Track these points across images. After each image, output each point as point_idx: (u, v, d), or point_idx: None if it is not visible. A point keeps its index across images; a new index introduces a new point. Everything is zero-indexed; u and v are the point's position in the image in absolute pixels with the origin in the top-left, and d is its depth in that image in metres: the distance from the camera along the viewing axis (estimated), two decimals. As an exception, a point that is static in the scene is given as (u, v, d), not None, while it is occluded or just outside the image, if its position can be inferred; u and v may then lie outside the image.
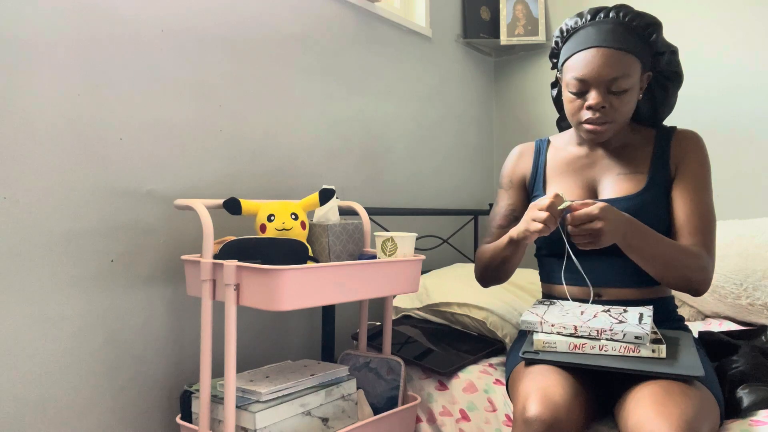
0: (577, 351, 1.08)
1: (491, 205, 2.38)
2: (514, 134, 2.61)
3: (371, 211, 1.79)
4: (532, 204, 1.15)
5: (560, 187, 1.32)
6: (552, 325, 1.11)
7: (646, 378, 1.01)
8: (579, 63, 1.19)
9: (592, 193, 1.29)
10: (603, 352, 1.06)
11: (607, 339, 1.06)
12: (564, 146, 1.37)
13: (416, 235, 1.34)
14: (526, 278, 1.87)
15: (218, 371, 1.45)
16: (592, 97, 1.19)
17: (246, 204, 1.27)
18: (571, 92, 1.22)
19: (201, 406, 1.15)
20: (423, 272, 1.93)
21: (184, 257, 1.22)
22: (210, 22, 1.47)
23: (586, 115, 1.21)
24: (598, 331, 1.07)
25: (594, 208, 1.07)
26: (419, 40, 2.19)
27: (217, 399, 1.18)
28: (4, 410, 1.11)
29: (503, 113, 2.64)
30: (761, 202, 1.99)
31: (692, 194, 1.21)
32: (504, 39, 2.42)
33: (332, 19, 1.81)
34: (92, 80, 1.24)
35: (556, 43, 1.30)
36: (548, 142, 1.42)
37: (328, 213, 1.34)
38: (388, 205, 2.04)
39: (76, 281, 1.21)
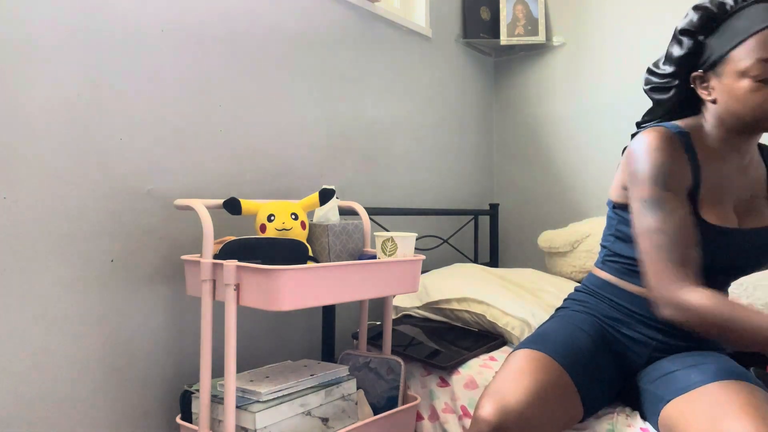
0: None
1: (491, 206, 2.38)
2: (514, 134, 2.61)
3: (371, 211, 1.79)
4: None
5: (716, 207, 1.07)
6: None
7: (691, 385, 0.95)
8: None
9: (734, 217, 1.08)
10: None
11: None
12: (710, 149, 1.09)
13: (416, 235, 1.34)
14: (527, 278, 1.87)
15: (218, 371, 1.45)
16: None
17: (246, 204, 1.27)
18: (759, 80, 0.99)
19: (201, 406, 1.15)
20: (423, 272, 1.93)
21: (184, 257, 1.22)
22: (210, 22, 1.47)
23: None
24: None
25: None
26: (419, 40, 2.19)
27: (217, 399, 1.18)
28: (3, 409, 1.11)
29: (503, 113, 2.64)
30: (761, 202, 1.99)
31: None
32: (504, 39, 2.42)
33: (332, 19, 1.81)
34: (92, 80, 1.24)
35: (708, 25, 1.05)
36: (689, 135, 1.09)
37: (328, 213, 1.34)
38: (388, 205, 2.04)
39: (76, 281, 1.21)
